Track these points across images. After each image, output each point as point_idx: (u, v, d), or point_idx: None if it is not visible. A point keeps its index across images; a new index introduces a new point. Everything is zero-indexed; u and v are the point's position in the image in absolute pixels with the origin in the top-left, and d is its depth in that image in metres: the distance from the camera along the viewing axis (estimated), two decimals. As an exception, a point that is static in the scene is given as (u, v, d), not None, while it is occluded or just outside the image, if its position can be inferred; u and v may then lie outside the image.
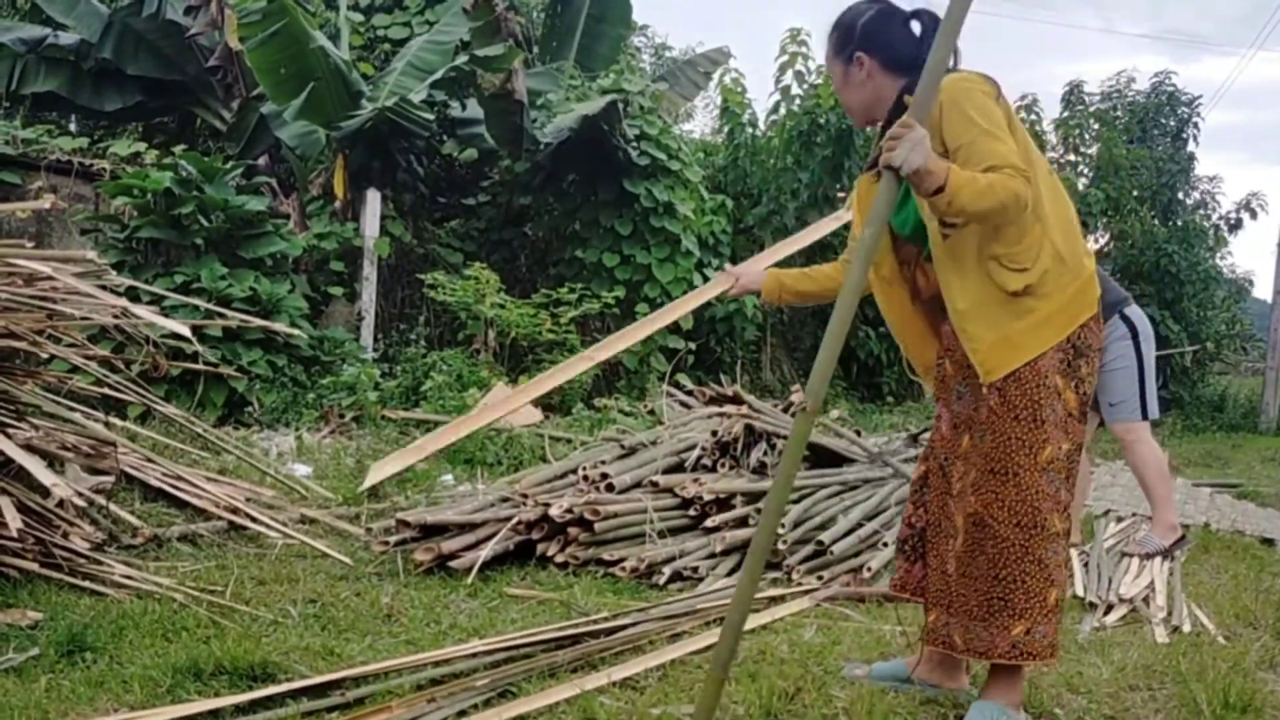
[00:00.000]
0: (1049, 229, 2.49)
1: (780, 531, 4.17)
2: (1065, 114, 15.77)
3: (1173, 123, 15.77)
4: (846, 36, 2.67)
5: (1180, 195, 15.52)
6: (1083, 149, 15.37)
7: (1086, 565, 4.41)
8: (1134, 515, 5.63)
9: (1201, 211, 15.98)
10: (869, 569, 4.13)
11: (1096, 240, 14.58)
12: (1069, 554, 2.66)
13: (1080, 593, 4.10)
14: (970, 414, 2.61)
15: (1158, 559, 4.54)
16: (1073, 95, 15.92)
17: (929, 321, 2.79)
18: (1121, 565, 4.47)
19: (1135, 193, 14.58)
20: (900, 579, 2.86)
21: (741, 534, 4.19)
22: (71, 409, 4.16)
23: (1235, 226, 15.98)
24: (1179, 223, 15.16)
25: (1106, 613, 3.88)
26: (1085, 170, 14.82)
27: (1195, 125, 15.81)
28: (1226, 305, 17.14)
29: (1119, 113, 15.74)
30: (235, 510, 4.46)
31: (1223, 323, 16.83)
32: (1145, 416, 4.70)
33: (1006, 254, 2.46)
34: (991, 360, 2.50)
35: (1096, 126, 15.23)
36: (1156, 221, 14.92)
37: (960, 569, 2.58)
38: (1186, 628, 3.68)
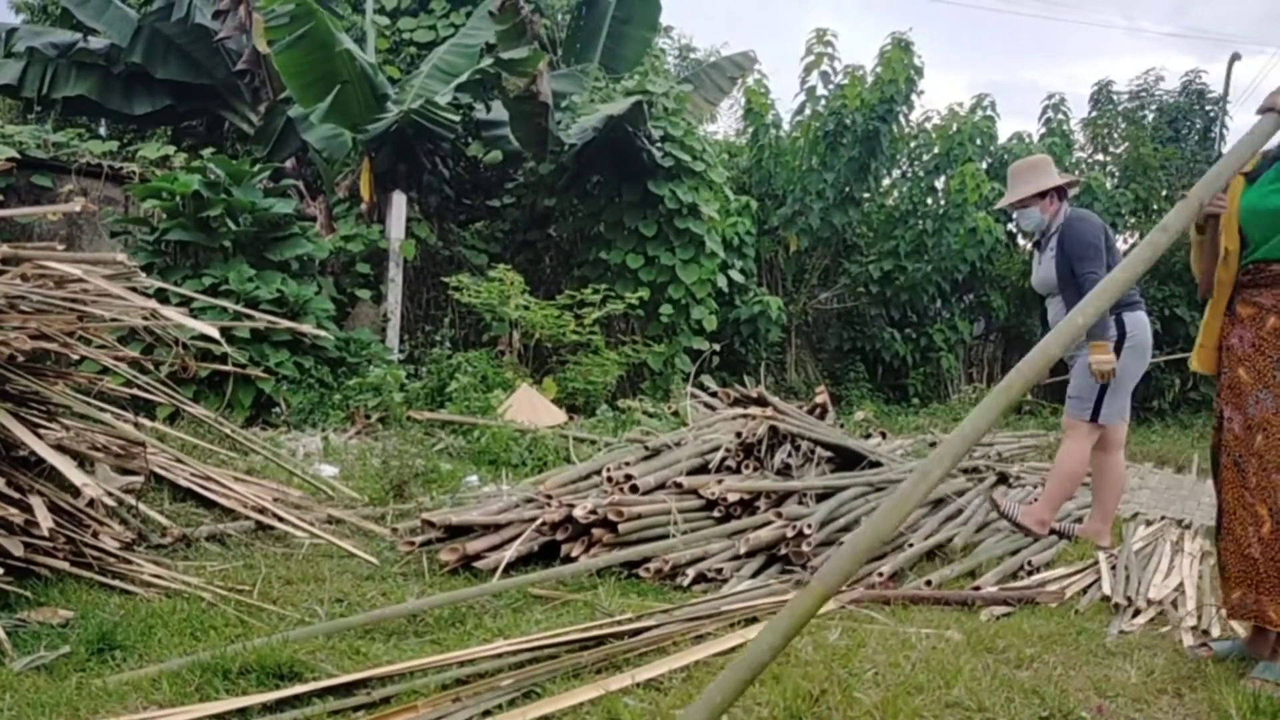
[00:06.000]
0: None
1: (807, 532, 4.16)
2: (1093, 114, 15.63)
3: (1199, 123, 15.60)
4: None
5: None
6: (1111, 149, 15.23)
7: (1114, 567, 4.37)
8: (1163, 518, 5.58)
9: (1233, 212, 15.78)
10: (882, 572, 4.11)
11: (1125, 241, 14.44)
12: None
13: (1108, 593, 4.06)
14: (1268, 417, 3.08)
15: (1188, 562, 4.50)
16: (1101, 95, 15.78)
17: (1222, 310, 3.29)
18: (1149, 567, 4.42)
19: (1165, 193, 14.42)
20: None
21: (765, 535, 4.18)
22: (101, 409, 4.21)
23: (1267, 227, 15.77)
24: (1210, 223, 14.96)
25: (1134, 615, 3.84)
26: (1114, 170, 14.67)
27: (1223, 125, 15.65)
28: (1258, 306, 16.90)
29: (1147, 113, 15.58)
30: (263, 510, 4.50)
31: (1255, 323, 16.60)
32: (1094, 419, 4.68)
33: None
34: None
35: (1124, 126, 15.09)
36: (1187, 222, 14.72)
37: (1269, 554, 3.03)
38: (1215, 632, 3.63)
